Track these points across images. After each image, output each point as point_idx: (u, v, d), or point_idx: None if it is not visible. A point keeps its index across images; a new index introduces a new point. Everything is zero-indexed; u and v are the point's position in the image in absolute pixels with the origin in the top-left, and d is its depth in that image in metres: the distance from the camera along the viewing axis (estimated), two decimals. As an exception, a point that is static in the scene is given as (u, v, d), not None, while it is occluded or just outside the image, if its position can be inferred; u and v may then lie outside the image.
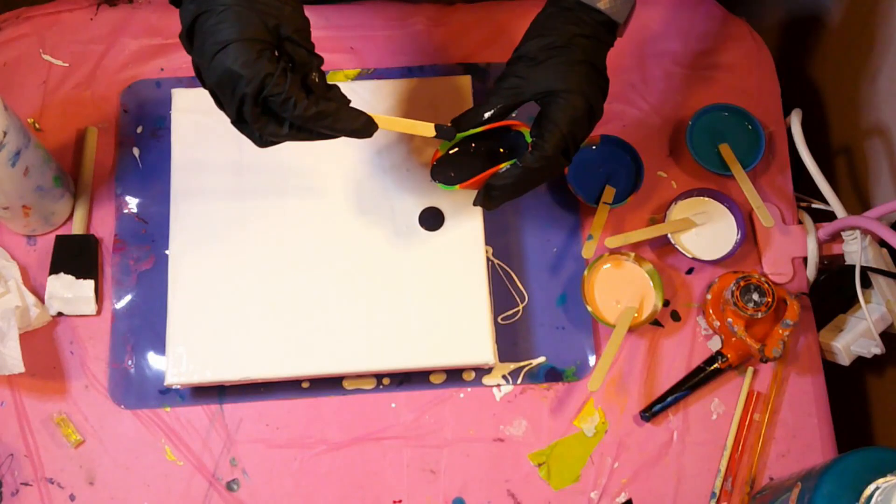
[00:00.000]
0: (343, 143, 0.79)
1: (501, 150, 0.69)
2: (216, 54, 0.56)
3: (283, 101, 0.56)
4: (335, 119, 0.59)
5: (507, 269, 0.81)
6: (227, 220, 0.77)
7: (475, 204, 0.68)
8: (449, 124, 0.67)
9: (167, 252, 0.76)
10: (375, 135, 0.78)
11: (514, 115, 0.67)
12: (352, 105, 0.61)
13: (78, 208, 0.80)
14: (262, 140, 0.61)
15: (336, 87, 0.60)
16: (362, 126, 0.61)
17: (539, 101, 0.65)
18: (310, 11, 0.86)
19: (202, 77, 0.58)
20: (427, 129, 0.66)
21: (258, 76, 0.55)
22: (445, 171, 0.69)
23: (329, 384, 0.77)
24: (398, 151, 0.79)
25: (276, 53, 0.58)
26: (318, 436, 0.76)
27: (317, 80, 0.59)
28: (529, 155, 0.64)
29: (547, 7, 0.67)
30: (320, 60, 0.60)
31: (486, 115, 0.66)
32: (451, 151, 0.70)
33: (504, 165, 0.65)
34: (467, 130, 0.67)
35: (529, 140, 0.66)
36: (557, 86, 0.63)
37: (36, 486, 0.74)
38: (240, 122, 0.59)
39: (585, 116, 0.64)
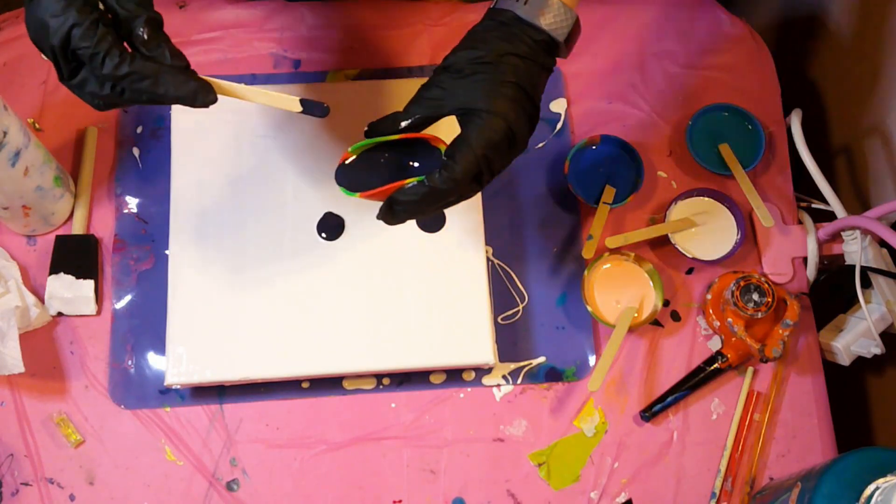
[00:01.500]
0: (344, 142, 0.79)
1: (413, 163, 0.63)
2: (29, 4, 0.53)
3: (90, 55, 0.52)
4: (155, 82, 0.54)
5: (507, 269, 0.81)
6: (227, 219, 0.77)
7: (378, 217, 0.62)
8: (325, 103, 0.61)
9: (167, 252, 0.76)
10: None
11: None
12: (189, 68, 0.56)
13: (78, 208, 0.80)
14: (94, 103, 0.56)
15: (165, 47, 0.55)
16: (189, 93, 0.55)
17: (459, 118, 0.59)
18: (310, 11, 0.88)
19: None
20: (292, 104, 0.61)
21: (64, 26, 0.52)
22: (351, 176, 0.63)
23: (329, 384, 0.77)
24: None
25: (101, 6, 0.54)
26: (318, 436, 0.76)
27: (144, 36, 0.54)
28: (438, 174, 0.58)
29: (484, 20, 0.61)
30: (153, 16, 0.55)
31: (403, 123, 0.60)
32: (360, 155, 0.63)
33: (411, 181, 0.59)
34: (381, 137, 0.61)
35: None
36: (479, 104, 0.57)
37: (36, 486, 0.74)
38: (69, 81, 0.55)
39: (505, 142, 0.58)
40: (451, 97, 0.59)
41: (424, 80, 0.82)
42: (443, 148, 0.62)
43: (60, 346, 0.77)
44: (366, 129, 0.62)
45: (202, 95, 0.56)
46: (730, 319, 0.76)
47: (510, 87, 0.58)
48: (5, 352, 0.72)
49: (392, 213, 0.60)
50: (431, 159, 0.62)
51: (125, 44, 0.55)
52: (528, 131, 0.60)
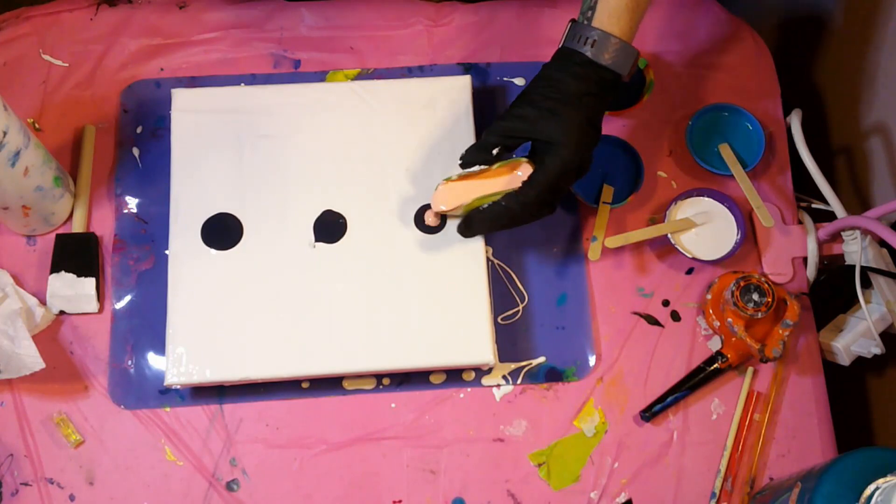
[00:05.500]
0: (344, 142, 0.79)
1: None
2: None
3: None
4: None
5: (507, 269, 0.81)
6: (227, 219, 0.77)
7: (458, 230, 0.74)
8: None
9: (167, 252, 0.76)
10: (374, 136, 0.79)
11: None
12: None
13: (78, 208, 0.80)
14: None
15: None
16: None
17: (537, 147, 0.70)
18: (310, 11, 0.88)
19: None
20: None
21: None
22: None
23: (329, 384, 0.77)
24: (398, 150, 0.79)
25: None
26: (317, 436, 0.76)
27: None
28: (514, 196, 0.69)
29: (557, 59, 0.69)
30: None
31: (494, 152, 0.70)
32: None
33: (488, 199, 0.70)
34: (472, 166, 0.72)
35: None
36: (558, 138, 0.67)
37: (36, 486, 0.74)
38: None
39: (574, 171, 0.68)
40: (533, 131, 0.68)
41: (424, 80, 0.82)
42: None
43: (61, 346, 0.77)
44: (460, 158, 0.72)
45: None
46: (730, 319, 0.76)
47: (584, 123, 0.67)
48: (21, 352, 0.72)
49: (467, 226, 0.72)
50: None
51: None
52: (590, 156, 0.69)
